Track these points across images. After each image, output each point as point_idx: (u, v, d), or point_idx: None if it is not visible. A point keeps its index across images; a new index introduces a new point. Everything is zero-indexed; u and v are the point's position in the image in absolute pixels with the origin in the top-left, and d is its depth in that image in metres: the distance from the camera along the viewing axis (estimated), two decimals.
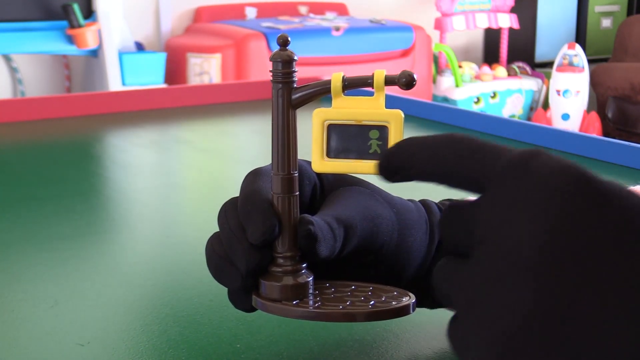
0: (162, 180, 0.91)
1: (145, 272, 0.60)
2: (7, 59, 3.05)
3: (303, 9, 3.55)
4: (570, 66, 3.41)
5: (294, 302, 0.38)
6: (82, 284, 0.57)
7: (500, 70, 3.68)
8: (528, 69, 3.81)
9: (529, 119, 3.64)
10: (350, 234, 0.39)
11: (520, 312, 0.28)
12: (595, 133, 3.37)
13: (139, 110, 1.23)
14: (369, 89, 0.37)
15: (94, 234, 0.69)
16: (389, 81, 0.36)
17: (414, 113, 1.15)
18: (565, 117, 3.44)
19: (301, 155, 0.39)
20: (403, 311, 0.38)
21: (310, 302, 0.38)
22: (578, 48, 3.43)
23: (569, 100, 3.42)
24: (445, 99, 3.46)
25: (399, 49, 3.23)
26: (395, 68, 3.08)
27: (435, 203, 0.46)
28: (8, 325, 0.50)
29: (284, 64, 0.37)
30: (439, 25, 3.55)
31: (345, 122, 0.37)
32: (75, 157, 1.00)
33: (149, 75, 2.84)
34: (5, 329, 0.49)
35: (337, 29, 3.07)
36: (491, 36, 4.11)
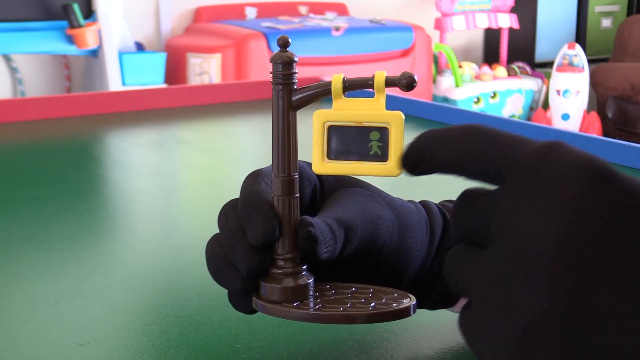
0: (162, 180, 0.91)
1: (145, 272, 0.60)
2: (7, 59, 3.05)
3: (303, 9, 3.55)
4: (570, 66, 3.41)
5: (295, 304, 0.38)
6: (82, 284, 0.57)
7: (500, 70, 3.68)
8: (528, 69, 3.81)
9: (529, 119, 3.64)
10: (350, 236, 0.39)
11: (538, 308, 0.28)
12: (595, 133, 3.37)
13: (139, 110, 1.23)
14: (370, 90, 0.37)
15: (94, 234, 0.69)
16: (390, 83, 0.36)
17: (414, 113, 1.15)
18: (565, 117, 3.44)
19: (301, 156, 0.39)
20: (404, 313, 0.38)
21: (311, 304, 0.38)
22: (578, 48, 3.43)
23: (569, 100, 3.42)
24: (445, 99, 3.46)
25: (399, 49, 3.23)
26: (395, 68, 3.09)
27: (435, 204, 0.45)
28: (8, 325, 0.50)
29: (284, 66, 0.37)
30: (439, 25, 3.55)
31: (346, 123, 0.37)
32: (75, 157, 1.00)
33: (149, 75, 2.84)
34: (5, 329, 0.49)
35: (337, 29, 3.07)
36: (491, 36, 4.11)
